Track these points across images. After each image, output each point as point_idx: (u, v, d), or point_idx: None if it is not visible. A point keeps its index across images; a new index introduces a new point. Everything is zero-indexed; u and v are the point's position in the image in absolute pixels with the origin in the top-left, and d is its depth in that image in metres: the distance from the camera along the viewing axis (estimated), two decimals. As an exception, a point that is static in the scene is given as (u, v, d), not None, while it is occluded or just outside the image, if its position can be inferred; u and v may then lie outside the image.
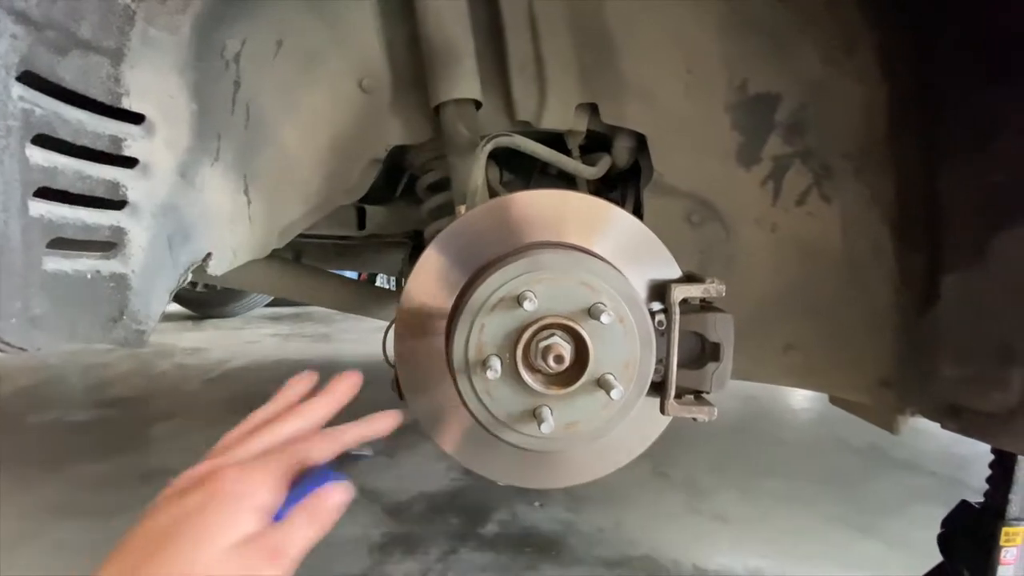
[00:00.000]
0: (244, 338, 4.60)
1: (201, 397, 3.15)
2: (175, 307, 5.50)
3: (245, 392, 3.21)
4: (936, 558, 1.23)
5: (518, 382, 0.80)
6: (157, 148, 0.89)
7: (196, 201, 0.97)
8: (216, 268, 1.04)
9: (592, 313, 0.79)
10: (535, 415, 0.81)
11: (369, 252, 1.98)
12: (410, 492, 2.00)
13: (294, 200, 1.14)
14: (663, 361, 0.86)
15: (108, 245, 0.84)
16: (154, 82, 0.88)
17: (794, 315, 1.15)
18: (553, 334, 0.81)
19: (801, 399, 3.11)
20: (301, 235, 1.28)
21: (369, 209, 1.26)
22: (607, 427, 0.83)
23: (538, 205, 0.88)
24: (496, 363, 0.79)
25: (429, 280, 0.87)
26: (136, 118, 0.86)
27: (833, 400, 1.36)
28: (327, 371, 0.64)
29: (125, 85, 0.84)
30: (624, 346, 0.82)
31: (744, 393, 3.12)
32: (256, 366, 3.75)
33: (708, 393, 0.88)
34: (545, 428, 0.78)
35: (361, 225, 1.24)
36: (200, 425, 2.67)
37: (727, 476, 2.20)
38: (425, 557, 1.64)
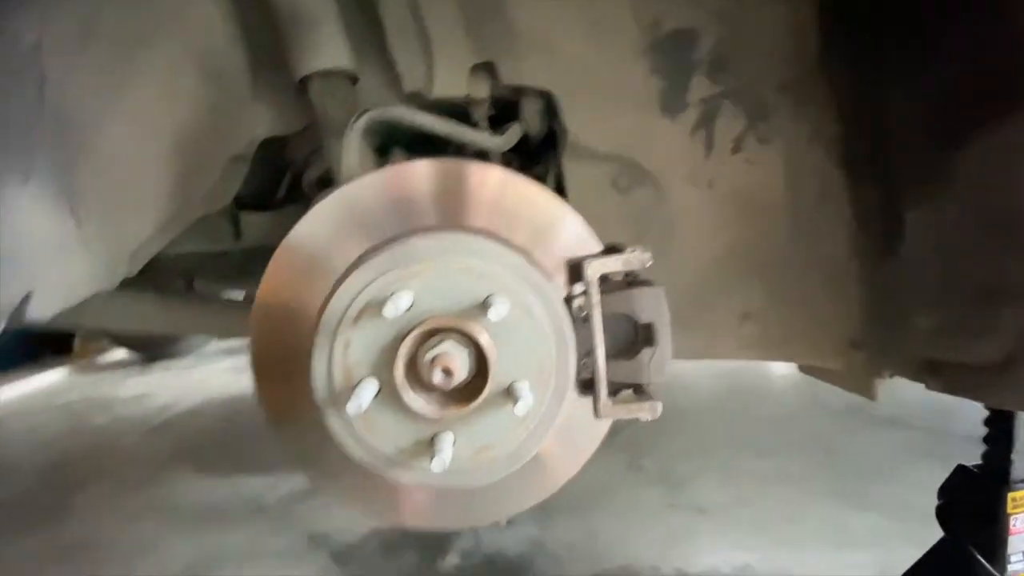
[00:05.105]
0: (194, 377, 4.29)
1: (139, 452, 2.88)
2: (120, 352, 5.14)
3: (190, 439, 2.95)
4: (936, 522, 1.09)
5: (403, 408, 0.63)
6: None
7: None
8: (42, 310, 0.84)
9: (487, 308, 0.62)
10: (432, 445, 0.64)
11: (261, 267, 1.74)
12: (360, 531, 1.80)
13: (140, 216, 0.95)
14: (591, 354, 0.70)
15: None
16: None
17: (746, 280, 1.01)
18: (443, 340, 0.64)
19: (775, 367, 3.00)
20: (171, 255, 1.09)
21: (245, 216, 1.07)
22: (527, 447, 0.67)
23: (418, 179, 0.71)
24: (370, 388, 0.62)
25: (286, 279, 0.69)
26: None
27: (803, 368, 1.22)
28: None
29: None
30: (534, 343, 0.65)
31: (712, 371, 3.00)
32: (204, 407, 3.48)
33: (648, 385, 0.71)
34: (436, 465, 0.61)
35: (238, 235, 1.06)
36: (134, 484, 2.42)
37: (704, 461, 2.06)
38: (378, 604, 1.46)
